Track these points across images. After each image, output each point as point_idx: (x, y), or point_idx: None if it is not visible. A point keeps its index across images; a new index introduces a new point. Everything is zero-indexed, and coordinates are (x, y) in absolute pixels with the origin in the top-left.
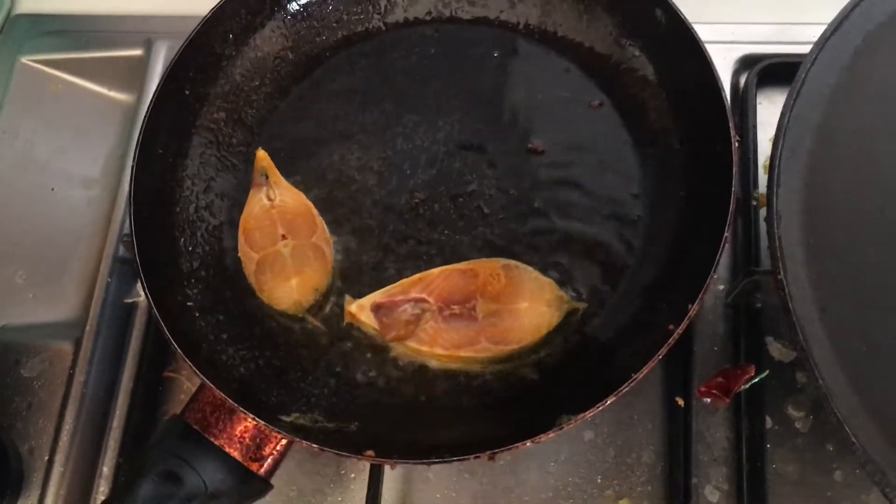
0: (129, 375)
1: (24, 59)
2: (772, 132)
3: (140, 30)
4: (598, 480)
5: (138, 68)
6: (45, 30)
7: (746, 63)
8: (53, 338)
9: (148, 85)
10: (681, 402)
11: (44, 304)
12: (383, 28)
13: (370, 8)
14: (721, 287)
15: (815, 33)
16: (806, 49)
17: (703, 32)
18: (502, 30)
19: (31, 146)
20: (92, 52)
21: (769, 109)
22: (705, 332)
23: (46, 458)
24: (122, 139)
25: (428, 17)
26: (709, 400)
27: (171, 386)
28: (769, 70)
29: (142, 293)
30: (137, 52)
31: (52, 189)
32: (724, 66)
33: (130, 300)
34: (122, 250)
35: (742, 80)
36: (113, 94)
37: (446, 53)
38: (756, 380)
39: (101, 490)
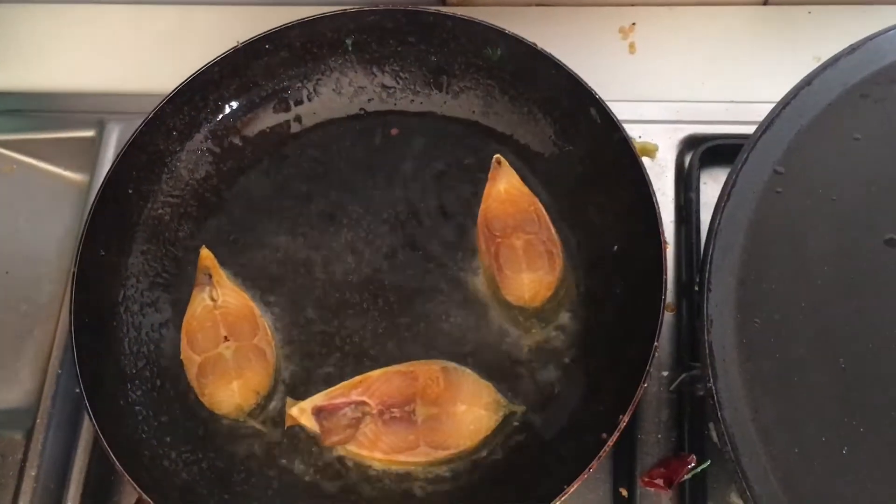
0: (80, 467)
1: None
2: None
3: (92, 109)
4: None
5: (91, 149)
6: None
7: (691, 143)
8: (5, 427)
9: (100, 167)
10: (624, 492)
11: None
12: (332, 119)
13: (308, 97)
14: (665, 374)
15: (762, 111)
16: (752, 128)
17: (649, 111)
18: (445, 122)
19: None
20: (45, 133)
21: (714, 189)
22: (649, 420)
23: None
24: (75, 220)
25: (374, 110)
26: (652, 490)
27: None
28: (712, 150)
29: None
30: (90, 133)
31: (7, 272)
32: (669, 145)
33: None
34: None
35: (687, 160)
36: (67, 173)
37: (391, 144)
38: (697, 470)
39: None
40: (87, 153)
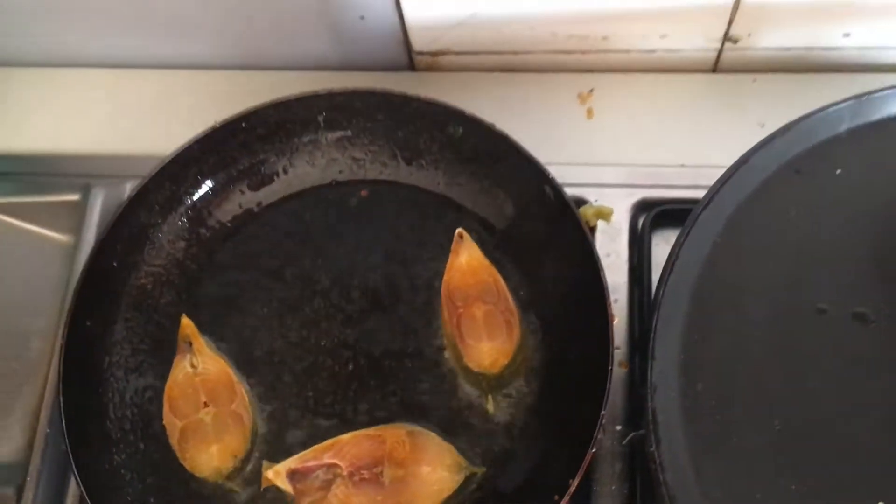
0: None
1: None
2: None
3: (78, 172)
4: None
5: (76, 212)
6: None
7: (643, 206)
8: None
9: (87, 230)
10: None
11: None
12: (304, 189)
13: (284, 170)
14: (618, 428)
15: (710, 174)
16: (701, 191)
17: (606, 175)
18: (412, 192)
19: None
20: (31, 196)
21: (666, 249)
22: (604, 472)
23: None
24: (62, 279)
25: (345, 179)
26: None
27: None
28: (663, 213)
29: None
30: (75, 196)
31: None
32: (623, 208)
33: None
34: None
35: (640, 221)
36: (53, 234)
37: (361, 210)
38: None
39: None
40: (72, 215)
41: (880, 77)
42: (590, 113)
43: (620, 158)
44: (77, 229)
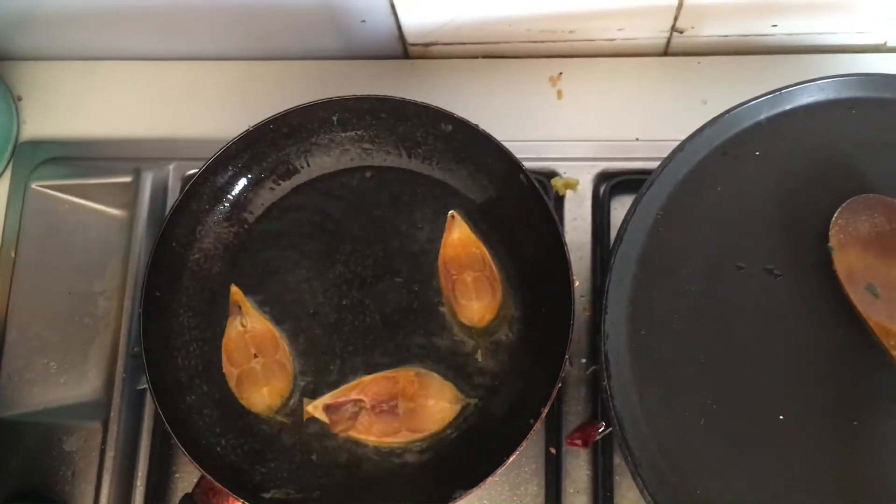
0: (145, 444)
1: (34, 185)
2: None
3: (130, 156)
4: None
5: (129, 191)
6: (46, 157)
7: (604, 177)
8: (85, 418)
9: (139, 206)
10: (553, 450)
11: (72, 388)
12: (322, 175)
13: (306, 160)
14: (583, 360)
15: (661, 147)
16: (654, 162)
17: (573, 150)
18: (411, 176)
19: (49, 257)
20: (90, 179)
21: (623, 212)
22: (572, 395)
23: None
24: (119, 248)
25: (355, 165)
26: (573, 448)
27: (179, 453)
28: (620, 183)
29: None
30: (128, 178)
31: (69, 293)
32: (588, 179)
33: (141, 387)
34: (133, 351)
35: (602, 189)
36: (110, 210)
37: (368, 191)
38: (605, 433)
39: None
40: (125, 194)
41: (805, 57)
42: (559, 94)
43: (586, 134)
44: (131, 205)
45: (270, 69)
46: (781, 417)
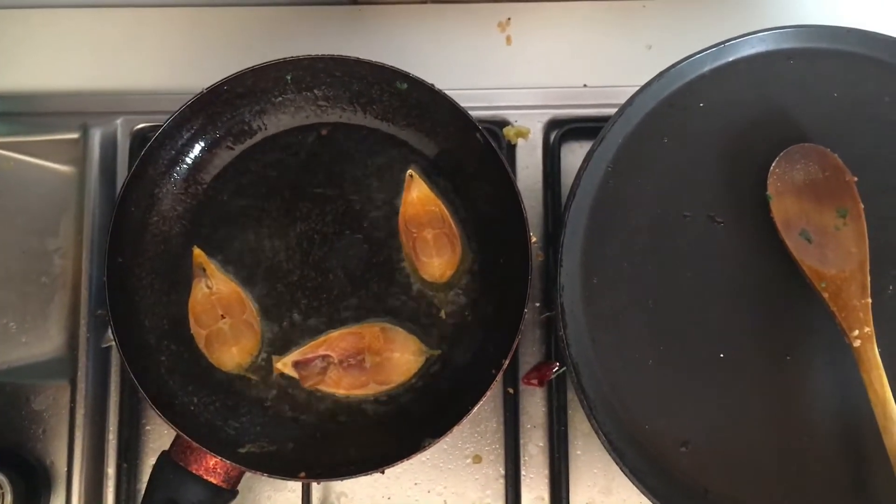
0: (114, 400)
1: None
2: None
3: (74, 110)
4: (459, 444)
5: (76, 147)
6: None
7: (554, 124)
8: (51, 377)
9: (89, 163)
10: (511, 390)
11: (34, 347)
12: (278, 133)
13: (261, 120)
14: (538, 304)
15: (609, 93)
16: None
17: (523, 97)
18: (367, 132)
19: (0, 217)
20: (35, 136)
21: (572, 159)
22: (527, 338)
23: (65, 469)
24: (71, 204)
25: (311, 122)
26: (530, 387)
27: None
28: (570, 130)
29: (112, 339)
30: (75, 135)
31: (24, 252)
32: (539, 128)
33: (106, 345)
34: (96, 312)
35: (552, 137)
36: (57, 167)
37: (325, 147)
38: (559, 372)
39: (110, 487)
40: (73, 149)
41: (741, 2)
42: (508, 40)
43: (535, 81)
44: (79, 161)
45: (215, 16)
46: (722, 355)
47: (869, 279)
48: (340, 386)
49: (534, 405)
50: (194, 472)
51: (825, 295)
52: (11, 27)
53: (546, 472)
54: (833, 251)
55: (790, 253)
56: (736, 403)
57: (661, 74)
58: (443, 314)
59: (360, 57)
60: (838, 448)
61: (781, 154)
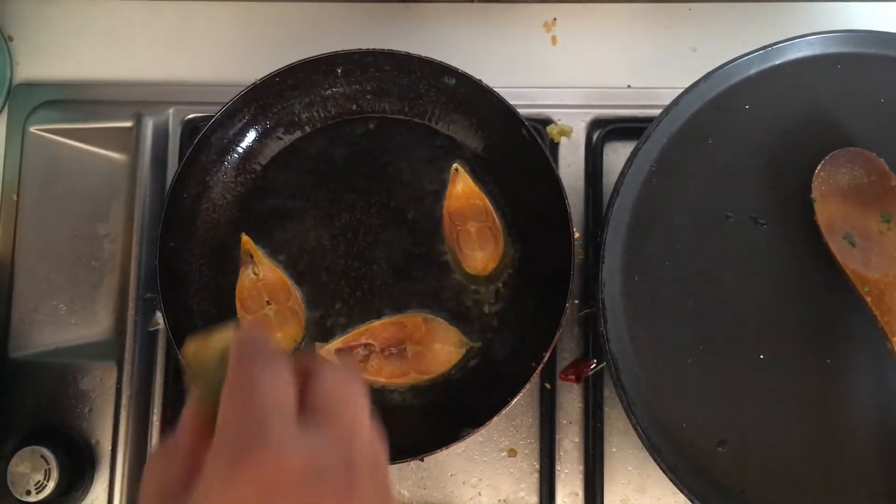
0: (159, 382)
1: (33, 129)
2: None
3: (128, 99)
4: (495, 437)
5: (129, 135)
6: (42, 99)
7: (597, 124)
8: (98, 358)
9: (141, 152)
10: (548, 386)
11: (83, 328)
12: (327, 125)
13: (311, 111)
14: (577, 301)
15: (652, 94)
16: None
17: (568, 97)
18: (414, 126)
19: (51, 201)
20: (89, 123)
21: (615, 159)
22: (566, 334)
23: (109, 448)
24: (121, 190)
25: (359, 116)
26: (567, 383)
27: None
28: (613, 130)
29: (160, 322)
30: (128, 123)
31: (74, 236)
32: (582, 126)
33: (153, 328)
34: (145, 295)
35: (595, 136)
36: (110, 154)
37: (372, 141)
38: (597, 369)
39: None
40: (126, 138)
41: (792, 6)
42: (554, 40)
43: (579, 81)
44: (131, 149)
45: (265, 11)
46: (762, 357)
47: None
48: (381, 374)
49: (570, 401)
50: None
51: (868, 299)
52: (70, 18)
53: (581, 468)
54: (877, 255)
55: (833, 256)
56: (775, 405)
57: (707, 75)
58: (485, 308)
59: (410, 52)
60: (877, 453)
61: (827, 157)
